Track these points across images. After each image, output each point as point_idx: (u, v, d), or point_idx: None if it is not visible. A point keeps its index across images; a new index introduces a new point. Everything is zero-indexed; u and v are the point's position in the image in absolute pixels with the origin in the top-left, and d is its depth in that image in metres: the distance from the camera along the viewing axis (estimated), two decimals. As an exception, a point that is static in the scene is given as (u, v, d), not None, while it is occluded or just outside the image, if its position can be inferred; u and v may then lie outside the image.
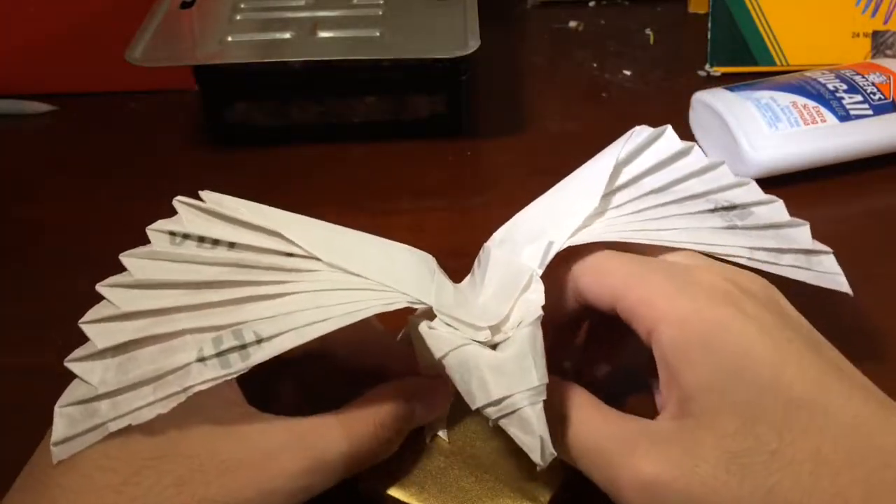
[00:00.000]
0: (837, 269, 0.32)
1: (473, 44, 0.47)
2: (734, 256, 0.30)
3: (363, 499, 0.30)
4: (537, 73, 0.61)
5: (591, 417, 0.26)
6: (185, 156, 0.53)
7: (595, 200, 0.30)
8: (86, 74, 0.58)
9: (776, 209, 0.32)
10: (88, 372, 0.25)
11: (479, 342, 0.27)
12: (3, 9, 0.56)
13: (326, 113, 0.52)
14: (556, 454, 0.25)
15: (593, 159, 0.33)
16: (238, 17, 0.52)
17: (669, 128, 0.33)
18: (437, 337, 0.27)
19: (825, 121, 0.47)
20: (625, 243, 0.30)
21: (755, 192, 0.33)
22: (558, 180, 0.34)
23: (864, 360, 0.27)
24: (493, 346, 0.27)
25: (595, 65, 0.62)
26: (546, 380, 0.26)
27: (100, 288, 0.27)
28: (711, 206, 0.31)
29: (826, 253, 0.32)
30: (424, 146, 0.52)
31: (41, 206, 0.49)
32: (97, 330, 0.26)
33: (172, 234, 0.28)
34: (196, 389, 0.24)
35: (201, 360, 0.25)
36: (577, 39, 0.65)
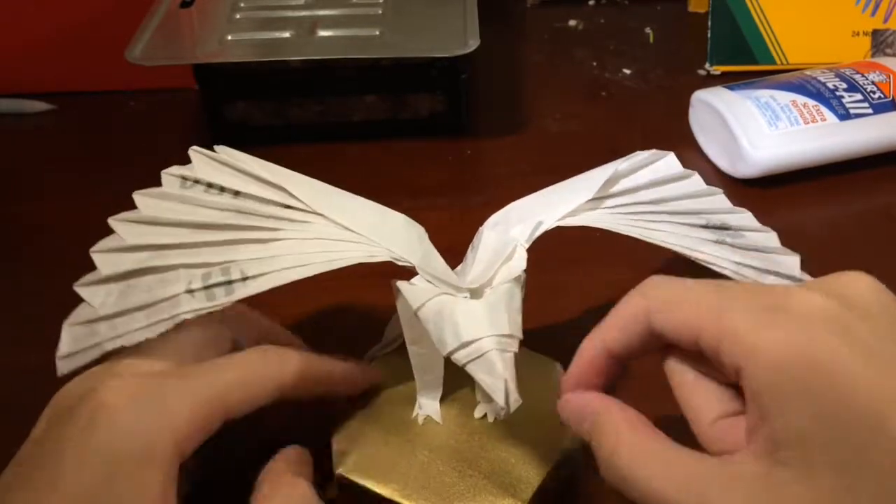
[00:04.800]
0: None
1: (473, 43, 0.47)
2: (720, 267, 0.31)
3: (344, 491, 0.30)
4: (537, 72, 0.61)
5: (653, 455, 0.23)
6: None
7: (589, 194, 0.31)
8: (85, 73, 0.58)
9: (769, 238, 0.33)
10: (92, 295, 0.27)
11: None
12: (3, 9, 0.56)
13: (326, 112, 0.52)
14: (521, 401, 0.25)
15: (591, 170, 0.34)
16: (238, 16, 0.52)
17: (672, 154, 0.34)
18: (415, 290, 0.28)
19: (825, 119, 0.47)
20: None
21: (750, 221, 0.33)
22: (558, 179, 0.35)
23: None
24: None
25: (595, 64, 0.62)
26: (520, 334, 0.26)
27: (111, 221, 0.29)
28: (704, 223, 0.32)
29: None
30: (424, 145, 0.52)
31: (41, 204, 0.49)
32: (104, 259, 0.28)
33: (184, 178, 0.31)
34: (183, 317, 0.27)
35: (189, 291, 0.27)
36: (576, 38, 0.65)
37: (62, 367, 0.27)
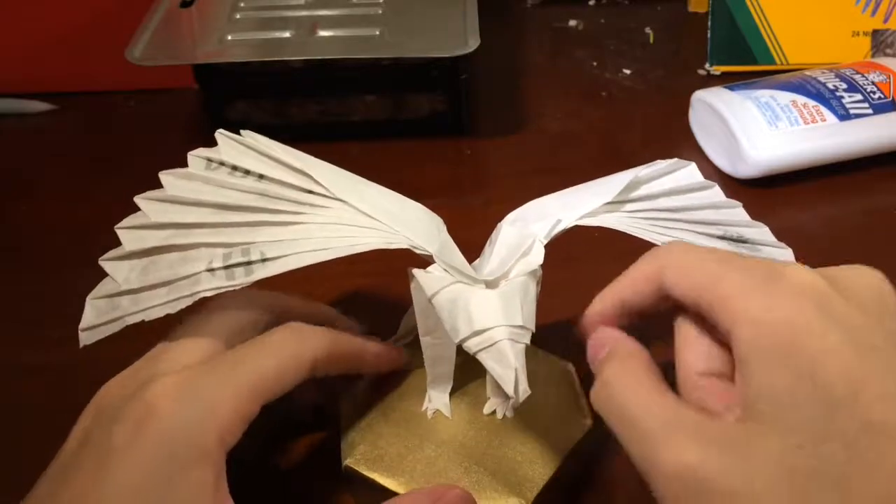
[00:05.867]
0: None
1: (473, 42, 0.47)
2: None
3: (351, 482, 0.31)
4: (537, 72, 0.61)
5: (647, 388, 0.25)
6: (184, 154, 0.53)
7: (607, 198, 0.31)
8: (85, 73, 0.58)
9: (785, 254, 0.33)
10: (116, 270, 0.28)
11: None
12: (2, 9, 0.56)
13: (326, 112, 0.52)
14: (529, 392, 0.25)
15: (610, 175, 0.34)
16: (238, 16, 0.52)
17: (693, 164, 0.34)
18: (431, 278, 0.28)
19: (825, 120, 0.47)
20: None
21: (767, 236, 0.33)
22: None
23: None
24: None
25: (595, 64, 0.62)
26: (532, 327, 0.26)
27: (137, 199, 0.30)
28: (721, 234, 0.32)
29: None
30: (424, 145, 0.52)
31: (41, 205, 0.49)
32: (128, 235, 0.29)
33: (209, 160, 0.31)
34: (202, 295, 0.27)
35: (210, 270, 0.27)
36: (576, 38, 0.65)
37: (84, 339, 0.27)
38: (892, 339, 0.23)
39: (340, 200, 0.30)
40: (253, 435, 0.26)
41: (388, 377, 0.33)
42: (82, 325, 0.28)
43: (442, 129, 0.53)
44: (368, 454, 0.30)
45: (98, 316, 0.28)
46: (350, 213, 0.30)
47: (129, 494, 0.24)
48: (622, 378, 0.25)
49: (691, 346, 0.26)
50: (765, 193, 0.47)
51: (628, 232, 0.31)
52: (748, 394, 0.23)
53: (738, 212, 0.34)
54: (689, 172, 0.34)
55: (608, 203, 0.31)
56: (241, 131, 0.32)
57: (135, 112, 0.57)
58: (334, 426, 0.32)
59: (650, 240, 0.31)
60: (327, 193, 0.30)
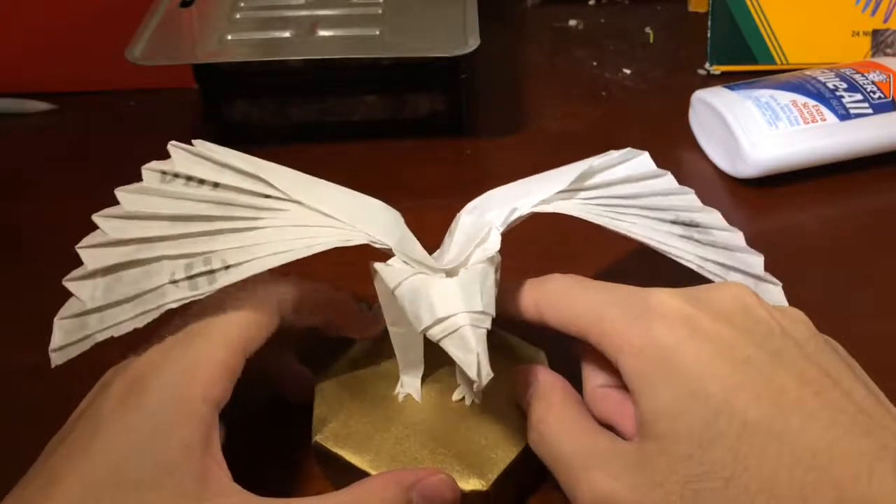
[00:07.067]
0: (784, 300, 0.33)
1: (473, 42, 0.47)
2: (685, 261, 0.32)
3: (320, 457, 0.31)
4: (537, 72, 0.61)
5: (568, 425, 0.28)
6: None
7: (562, 185, 0.32)
8: (85, 73, 0.58)
9: (736, 237, 0.34)
10: (80, 289, 0.28)
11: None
12: (2, 8, 0.56)
13: (326, 112, 0.52)
14: (492, 375, 0.26)
15: (566, 165, 0.35)
16: (238, 16, 0.52)
17: (646, 153, 0.35)
18: (392, 270, 0.28)
19: (825, 119, 0.47)
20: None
21: (719, 220, 0.34)
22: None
23: (860, 361, 0.27)
24: None
25: (595, 63, 0.62)
26: (492, 312, 0.27)
27: (95, 217, 0.30)
28: (673, 218, 0.33)
29: (774, 284, 0.34)
30: (424, 145, 0.52)
31: (41, 204, 0.49)
32: (89, 254, 0.29)
33: (164, 173, 0.31)
34: (168, 307, 0.27)
35: (174, 282, 0.28)
36: (576, 38, 0.65)
37: (55, 360, 0.28)
38: (765, 346, 0.25)
39: (296, 202, 0.30)
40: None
41: (363, 359, 0.34)
42: (52, 346, 0.28)
43: (442, 129, 0.53)
44: (338, 431, 0.31)
45: (66, 336, 0.28)
46: (307, 214, 0.30)
47: (116, 456, 0.25)
48: (547, 418, 0.28)
49: (590, 362, 0.29)
50: (765, 193, 0.47)
51: (583, 217, 0.31)
52: (641, 416, 0.25)
53: (690, 198, 0.35)
54: (642, 161, 0.35)
55: (564, 191, 0.32)
56: (193, 141, 0.32)
57: (135, 112, 0.57)
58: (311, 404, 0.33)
59: (604, 225, 0.32)
60: (283, 196, 0.30)
